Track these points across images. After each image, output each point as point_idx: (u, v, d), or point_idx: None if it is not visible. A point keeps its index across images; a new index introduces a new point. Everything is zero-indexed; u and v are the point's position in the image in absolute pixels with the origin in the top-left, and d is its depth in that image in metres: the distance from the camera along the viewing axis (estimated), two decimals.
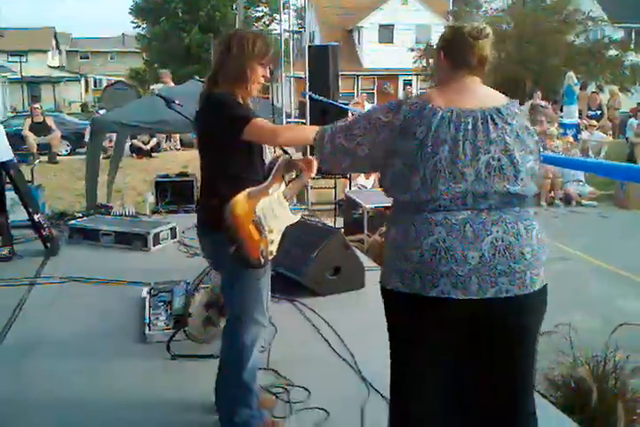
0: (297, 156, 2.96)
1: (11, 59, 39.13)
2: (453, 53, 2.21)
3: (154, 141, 13.65)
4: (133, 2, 36.37)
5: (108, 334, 4.18)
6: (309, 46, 7.86)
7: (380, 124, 2.17)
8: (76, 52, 54.22)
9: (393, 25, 32.03)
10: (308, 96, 7.51)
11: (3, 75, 34.63)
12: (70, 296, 4.97)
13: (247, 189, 2.63)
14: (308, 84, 7.52)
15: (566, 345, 3.72)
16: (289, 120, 7.57)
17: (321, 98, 7.29)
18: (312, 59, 7.76)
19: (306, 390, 3.36)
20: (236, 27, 14.08)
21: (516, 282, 2.06)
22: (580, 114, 15.60)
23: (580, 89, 16.37)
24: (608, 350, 3.63)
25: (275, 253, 2.77)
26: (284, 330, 4.18)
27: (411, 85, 31.23)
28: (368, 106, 18.72)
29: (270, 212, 2.73)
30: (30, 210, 5.83)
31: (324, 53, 7.85)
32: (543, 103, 16.56)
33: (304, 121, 7.54)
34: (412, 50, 24.74)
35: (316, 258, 4.71)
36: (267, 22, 38.85)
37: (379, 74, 32.38)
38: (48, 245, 5.97)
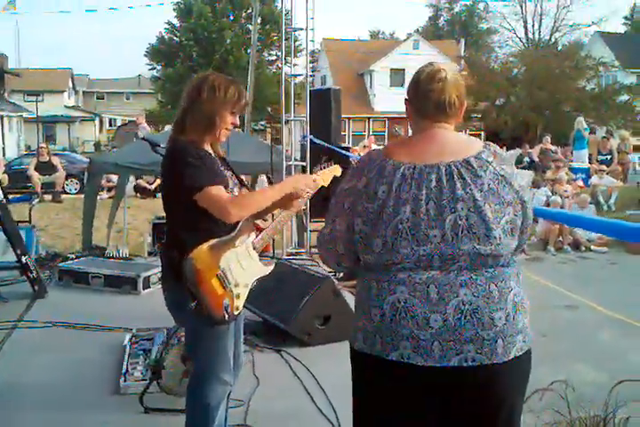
0: None
1: (27, 98, 39.69)
2: (413, 101, 2.06)
3: (159, 181, 13.56)
4: (149, 44, 37.08)
5: (84, 385, 3.98)
6: (311, 90, 7.79)
7: (344, 193, 2.03)
8: (93, 92, 55.08)
9: (404, 69, 32.33)
10: (308, 139, 7.42)
11: (18, 114, 35.08)
12: (51, 342, 4.79)
13: (210, 241, 2.49)
14: (308, 127, 7.43)
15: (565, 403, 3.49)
16: (289, 163, 7.46)
17: (321, 142, 7.19)
18: (314, 102, 7.68)
19: None
20: (250, 70, 14.18)
21: (484, 350, 1.87)
22: (590, 159, 15.48)
23: (590, 134, 16.29)
24: (608, 409, 3.39)
25: (240, 309, 2.61)
26: (267, 383, 3.98)
27: None
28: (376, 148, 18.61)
29: (236, 264, 2.59)
30: (18, 251, 5.71)
31: (326, 97, 7.79)
32: (553, 148, 16.48)
33: (304, 164, 7.44)
34: None
35: (304, 307, 4.52)
36: (280, 65, 39.41)
37: (390, 117, 32.55)
38: (35, 287, 5.82)
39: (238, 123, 2.67)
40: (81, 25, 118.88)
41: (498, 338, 1.87)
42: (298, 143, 8.35)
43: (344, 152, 6.97)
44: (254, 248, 2.70)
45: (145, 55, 37.65)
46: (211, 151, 2.65)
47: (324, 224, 2.13)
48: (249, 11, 34.73)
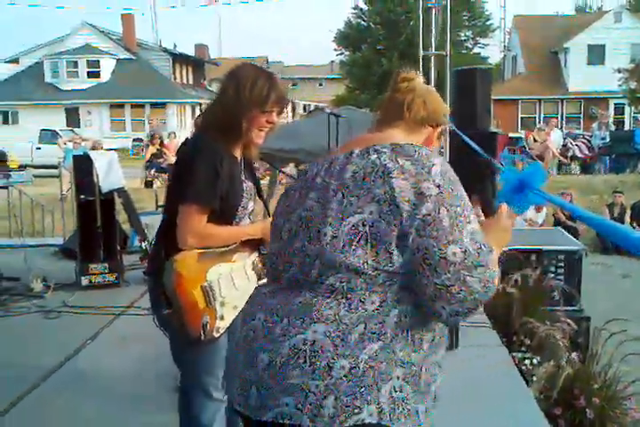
0: None
1: None
2: None
3: None
4: (337, 30, 37.50)
5: (160, 379, 3.91)
6: (454, 70, 7.18)
7: None
8: (288, 79, 57.13)
9: (604, 45, 29.73)
10: (448, 127, 6.85)
11: None
12: (148, 331, 4.75)
13: (201, 249, 2.23)
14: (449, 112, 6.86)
15: None
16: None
17: (461, 134, 6.54)
18: (457, 84, 7.09)
19: None
20: (430, 50, 13.61)
21: (306, 407, 1.40)
22: None
23: None
24: None
25: (222, 332, 2.28)
26: None
27: (622, 109, 28.81)
28: (556, 134, 17.27)
29: (228, 282, 2.29)
30: (138, 237, 5.85)
31: (471, 78, 7.11)
32: None
33: (442, 150, 6.88)
34: (619, 71, 22.67)
35: None
36: (469, 46, 38.09)
37: (586, 97, 30.17)
38: None
39: (276, 120, 2.32)
40: (279, 14, 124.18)
41: (328, 394, 1.40)
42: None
43: (480, 152, 6.17)
44: (254, 269, 2.40)
45: (333, 41, 38.10)
46: (237, 154, 2.37)
47: None
48: None
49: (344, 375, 1.40)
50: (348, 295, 1.45)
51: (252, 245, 2.39)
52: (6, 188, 6.55)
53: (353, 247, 1.46)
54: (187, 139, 2.42)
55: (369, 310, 1.45)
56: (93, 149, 15.14)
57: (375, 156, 1.52)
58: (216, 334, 2.26)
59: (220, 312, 2.25)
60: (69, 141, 17.76)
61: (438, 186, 1.46)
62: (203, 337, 2.21)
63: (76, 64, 31.62)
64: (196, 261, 2.21)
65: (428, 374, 1.49)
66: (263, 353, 1.48)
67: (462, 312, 1.44)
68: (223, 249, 2.29)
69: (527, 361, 4.49)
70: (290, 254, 1.54)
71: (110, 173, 5.77)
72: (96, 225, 5.75)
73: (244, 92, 2.23)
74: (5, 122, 31.31)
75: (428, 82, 6.99)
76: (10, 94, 30.39)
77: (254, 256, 2.40)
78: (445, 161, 1.56)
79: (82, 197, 5.79)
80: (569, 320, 4.68)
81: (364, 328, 1.43)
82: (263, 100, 2.25)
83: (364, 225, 1.46)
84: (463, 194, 1.50)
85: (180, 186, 2.26)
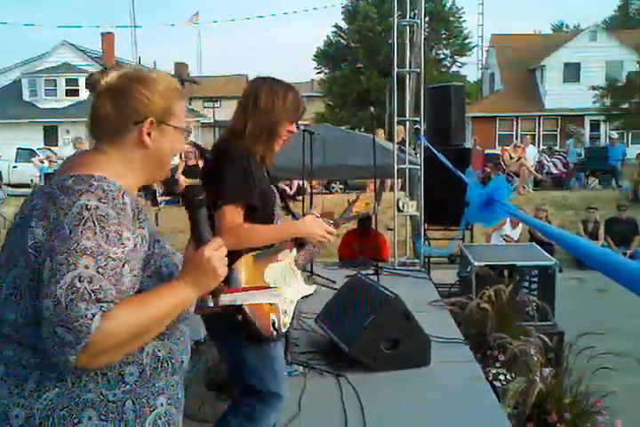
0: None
1: (206, 104, 41.99)
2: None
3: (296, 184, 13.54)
4: (317, 48, 37.82)
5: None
6: (428, 87, 7.28)
7: None
8: None
9: (579, 63, 30.19)
10: (422, 141, 6.92)
11: (195, 119, 37.17)
12: None
13: (253, 252, 2.35)
14: (422, 127, 6.94)
15: None
16: (401, 166, 6.98)
17: (435, 151, 6.59)
18: (431, 101, 7.18)
19: None
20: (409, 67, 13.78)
21: None
22: None
23: None
24: None
25: (288, 325, 2.43)
26: (310, 412, 3.61)
27: (597, 126, 29.22)
28: (531, 150, 17.49)
29: (280, 279, 2.43)
30: None
31: (445, 95, 7.24)
32: None
33: (417, 167, 6.93)
34: (594, 88, 23.03)
35: (368, 327, 4.09)
36: (448, 64, 38.49)
37: (562, 115, 30.55)
38: None
39: (295, 130, 2.56)
40: (257, 32, 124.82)
41: None
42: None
43: (456, 172, 6.19)
44: (296, 264, 2.56)
45: (313, 59, 38.38)
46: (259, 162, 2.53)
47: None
48: (416, 10, 34.10)
49: (20, 425, 1.37)
50: (21, 342, 1.41)
51: (290, 243, 2.52)
52: None
53: (12, 302, 1.42)
54: (219, 152, 2.53)
55: (40, 358, 1.39)
56: (75, 145, 14.91)
57: (37, 199, 1.44)
58: (284, 329, 2.39)
59: (282, 308, 2.38)
60: (45, 160, 17.61)
61: (58, 230, 1.35)
62: (275, 335, 2.33)
63: (54, 82, 31.47)
64: (253, 265, 2.33)
65: (140, 405, 1.44)
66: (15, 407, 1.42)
67: (62, 365, 1.31)
68: (270, 250, 2.41)
69: (501, 377, 4.48)
70: None
71: None
72: None
73: (278, 102, 2.45)
74: None
75: (403, 100, 7.09)
76: None
77: (294, 251, 2.54)
78: (104, 194, 1.40)
79: None
80: (542, 335, 4.69)
81: (41, 375, 1.39)
82: (294, 111, 2.50)
83: (20, 279, 1.41)
84: (84, 235, 1.34)
85: (213, 190, 2.30)
